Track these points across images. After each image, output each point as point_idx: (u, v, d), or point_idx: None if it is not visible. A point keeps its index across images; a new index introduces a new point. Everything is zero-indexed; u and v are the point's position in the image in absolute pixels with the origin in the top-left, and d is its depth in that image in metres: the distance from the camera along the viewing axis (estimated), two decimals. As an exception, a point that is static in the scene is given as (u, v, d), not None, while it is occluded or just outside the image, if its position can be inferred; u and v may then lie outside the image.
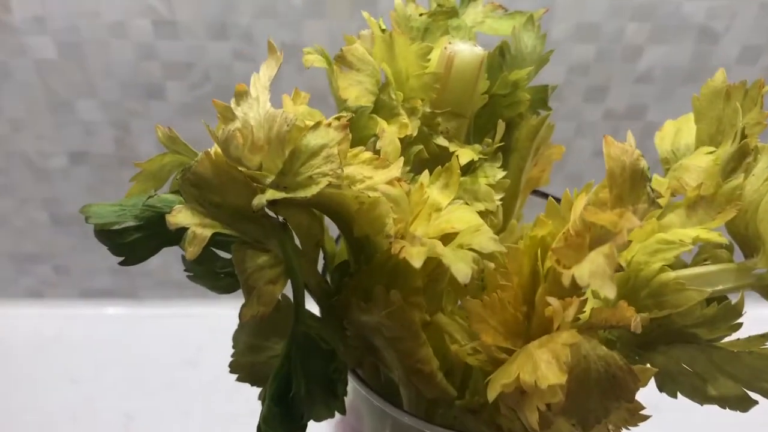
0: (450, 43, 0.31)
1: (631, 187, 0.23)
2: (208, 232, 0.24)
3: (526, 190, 0.37)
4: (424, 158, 0.32)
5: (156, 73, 0.59)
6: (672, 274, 0.27)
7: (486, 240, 0.25)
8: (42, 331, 0.72)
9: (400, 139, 0.30)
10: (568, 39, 0.58)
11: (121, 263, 0.27)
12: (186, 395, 0.67)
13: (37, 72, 0.58)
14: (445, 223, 0.28)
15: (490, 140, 0.34)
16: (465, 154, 0.31)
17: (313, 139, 0.24)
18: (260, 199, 0.23)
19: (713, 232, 0.28)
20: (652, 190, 0.24)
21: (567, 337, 0.24)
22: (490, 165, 0.32)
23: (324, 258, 0.30)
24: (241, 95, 0.24)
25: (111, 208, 0.27)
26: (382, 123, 0.28)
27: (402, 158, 0.26)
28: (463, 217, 0.28)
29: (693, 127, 0.32)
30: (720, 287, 0.27)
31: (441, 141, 0.32)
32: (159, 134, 0.27)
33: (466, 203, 0.32)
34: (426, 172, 0.30)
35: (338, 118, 0.25)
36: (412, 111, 0.31)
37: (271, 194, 0.23)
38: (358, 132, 0.31)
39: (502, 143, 0.34)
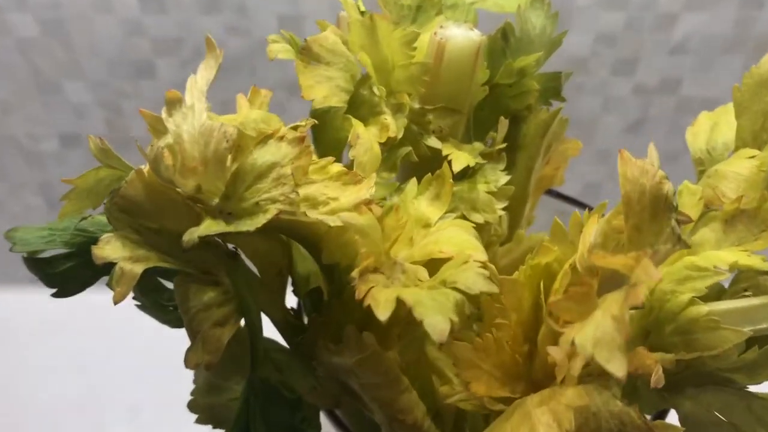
0: (441, 27, 0.26)
1: (652, 216, 0.18)
2: (139, 269, 0.20)
3: (538, 192, 0.32)
4: (413, 162, 0.28)
5: (145, 50, 0.55)
6: (704, 309, 0.22)
7: (474, 277, 0.20)
8: (47, 318, 0.70)
9: (384, 142, 0.25)
10: (594, 6, 0.52)
11: (54, 295, 0.24)
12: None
13: (20, 51, 0.55)
14: (433, 244, 0.24)
15: (494, 134, 0.29)
16: (459, 159, 0.26)
17: (260, 157, 0.20)
18: (192, 234, 0.19)
19: (755, 256, 0.23)
20: (678, 221, 0.19)
21: (572, 397, 0.20)
22: (492, 168, 0.28)
23: (293, 283, 0.26)
24: (174, 103, 0.20)
25: (39, 232, 0.23)
26: (357, 126, 0.24)
27: (374, 176, 0.21)
28: (453, 238, 0.24)
29: (732, 122, 0.27)
30: (763, 326, 0.22)
31: (432, 142, 0.27)
32: (91, 146, 0.23)
33: (463, 215, 0.27)
34: (413, 182, 0.26)
35: (295, 128, 0.21)
36: (397, 108, 0.26)
37: (207, 227, 0.19)
38: (333, 133, 0.26)
39: (506, 143, 0.29)
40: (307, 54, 0.23)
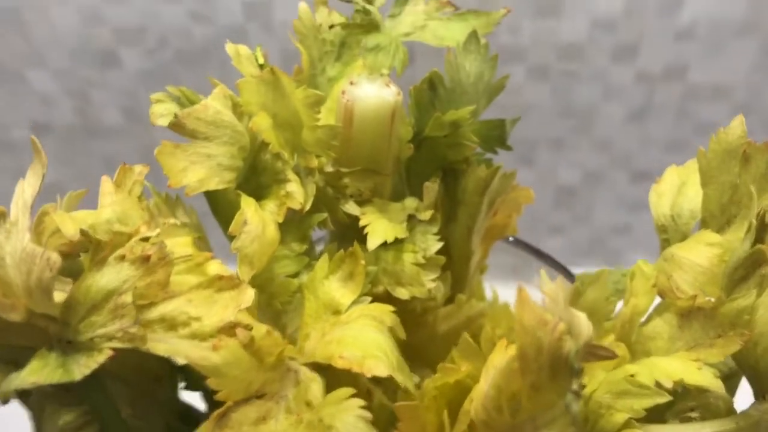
0: (351, 83, 0.22)
1: (551, 377, 0.15)
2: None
3: (488, 241, 0.28)
4: (339, 224, 0.24)
5: (107, 40, 0.51)
6: (640, 435, 0.19)
7: (353, 422, 0.17)
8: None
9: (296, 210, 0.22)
10: (589, -10, 0.47)
11: None
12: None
13: (-25, 41, 0.52)
14: (336, 344, 0.21)
15: (428, 183, 0.25)
16: (377, 233, 0.23)
17: (95, 283, 0.17)
18: (8, 386, 0.16)
19: (706, 371, 0.19)
20: (580, 387, 0.15)
21: None
22: (423, 232, 0.24)
23: (185, 378, 0.23)
24: (-4, 218, 0.17)
25: None
26: (246, 207, 0.20)
27: (250, 289, 0.18)
28: (359, 338, 0.21)
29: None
30: (710, 457, 0.19)
31: (350, 207, 0.24)
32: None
33: (387, 289, 0.24)
34: (324, 258, 0.23)
35: (146, 239, 0.18)
36: (308, 171, 0.23)
37: (28, 374, 0.16)
38: (228, 209, 0.23)
39: (446, 196, 0.26)
40: (180, 131, 0.20)
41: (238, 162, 0.21)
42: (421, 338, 0.27)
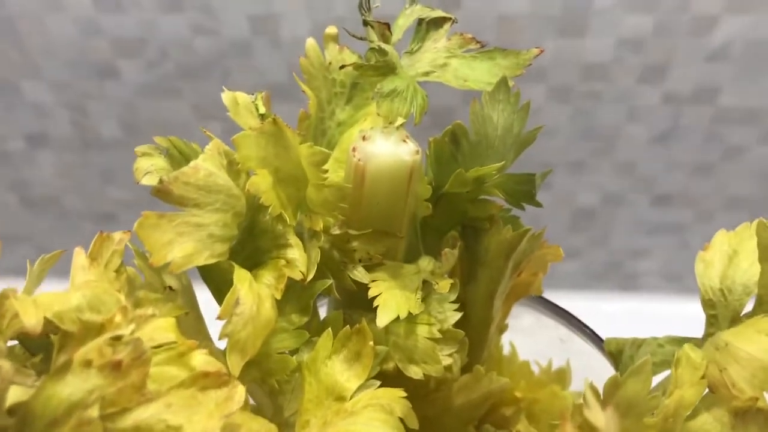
0: (364, 137, 0.19)
1: None
2: None
3: (510, 301, 0.26)
4: (345, 291, 0.22)
5: (105, 51, 0.49)
6: None
7: None
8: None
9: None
10: (616, 8, 0.44)
11: None
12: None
13: (-34, 50, 0.49)
14: (341, 437, 0.18)
15: (448, 249, 0.23)
16: (388, 308, 0.20)
17: (56, 394, 0.14)
18: None
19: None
20: None
21: None
22: (440, 300, 0.22)
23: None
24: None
25: None
26: (240, 283, 0.18)
27: (241, 390, 0.16)
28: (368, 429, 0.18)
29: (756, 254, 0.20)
30: None
31: (358, 274, 0.21)
32: None
33: (398, 365, 0.21)
34: (327, 335, 0.20)
35: (118, 338, 0.15)
36: (312, 234, 0.20)
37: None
38: (222, 275, 0.20)
39: (466, 256, 0.23)
40: (166, 198, 0.17)
41: (231, 231, 0.18)
42: (434, 411, 0.24)
